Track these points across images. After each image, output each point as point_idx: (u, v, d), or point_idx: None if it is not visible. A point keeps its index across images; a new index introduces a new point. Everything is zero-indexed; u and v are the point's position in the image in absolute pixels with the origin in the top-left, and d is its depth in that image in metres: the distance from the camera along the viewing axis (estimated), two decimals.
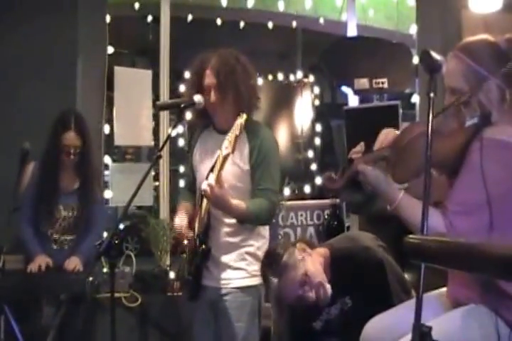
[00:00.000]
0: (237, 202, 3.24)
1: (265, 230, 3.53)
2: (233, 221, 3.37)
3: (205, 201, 3.33)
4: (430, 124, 2.13)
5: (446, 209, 2.44)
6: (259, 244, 3.46)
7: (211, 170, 3.23)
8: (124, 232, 6.72)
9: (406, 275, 3.44)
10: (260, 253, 3.43)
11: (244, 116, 3.09)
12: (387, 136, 2.64)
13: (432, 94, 2.18)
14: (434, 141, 2.17)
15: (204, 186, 3.14)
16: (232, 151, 3.06)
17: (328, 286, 3.28)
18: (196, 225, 3.43)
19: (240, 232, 3.41)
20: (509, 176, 2.40)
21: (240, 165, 3.37)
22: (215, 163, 3.18)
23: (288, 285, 3.26)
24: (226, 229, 3.41)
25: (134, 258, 4.92)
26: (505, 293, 2.38)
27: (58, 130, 4.33)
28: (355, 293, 3.25)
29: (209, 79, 3.36)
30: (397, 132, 2.65)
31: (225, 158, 3.08)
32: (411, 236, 1.79)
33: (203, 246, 3.34)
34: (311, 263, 3.31)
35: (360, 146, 2.73)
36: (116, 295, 4.56)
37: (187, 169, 3.77)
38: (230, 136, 3.06)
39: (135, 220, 6.05)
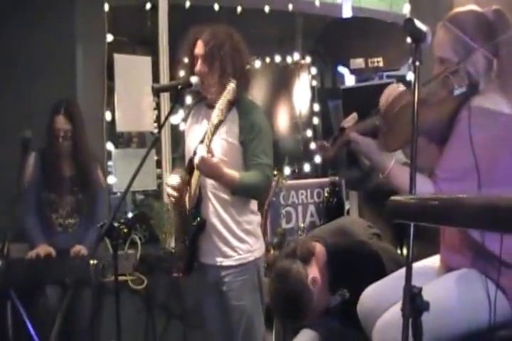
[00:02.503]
0: (230, 172, 3.27)
1: (254, 205, 3.55)
2: (224, 195, 3.40)
3: (195, 175, 3.38)
4: (417, 92, 2.16)
5: (435, 177, 2.49)
6: (248, 218, 3.49)
7: (201, 141, 3.24)
8: (133, 220, 6.73)
9: (405, 251, 3.47)
10: (250, 228, 3.47)
11: (235, 81, 3.14)
12: (393, 91, 2.66)
13: (417, 63, 2.22)
14: (423, 110, 2.21)
15: (197, 160, 3.17)
16: (224, 118, 3.11)
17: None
18: (187, 200, 3.47)
19: (230, 207, 3.43)
20: (495, 142, 2.45)
21: (227, 140, 3.39)
22: (205, 133, 3.20)
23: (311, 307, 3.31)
24: (216, 204, 3.43)
25: (139, 242, 4.95)
26: (493, 255, 2.43)
27: (50, 116, 4.45)
28: (354, 286, 3.26)
29: (198, 49, 3.42)
30: (403, 88, 2.67)
31: (216, 126, 3.12)
32: (392, 197, 1.81)
33: (198, 219, 3.40)
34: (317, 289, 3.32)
35: (353, 117, 2.78)
36: (122, 278, 4.58)
37: (181, 143, 3.76)
38: (221, 103, 3.10)
39: (144, 209, 6.08)
